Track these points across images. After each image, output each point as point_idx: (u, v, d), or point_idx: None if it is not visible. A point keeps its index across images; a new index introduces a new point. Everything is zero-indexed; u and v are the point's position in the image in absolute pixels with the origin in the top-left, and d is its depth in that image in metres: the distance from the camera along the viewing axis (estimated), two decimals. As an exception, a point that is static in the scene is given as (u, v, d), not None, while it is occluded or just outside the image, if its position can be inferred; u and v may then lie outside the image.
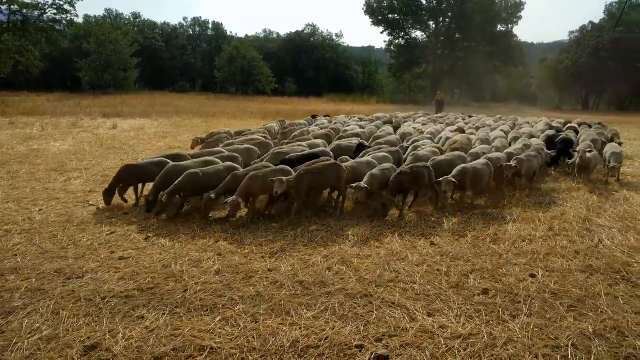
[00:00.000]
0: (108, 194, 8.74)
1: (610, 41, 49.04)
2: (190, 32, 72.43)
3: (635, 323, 4.82)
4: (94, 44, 48.11)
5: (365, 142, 11.10)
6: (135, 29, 64.37)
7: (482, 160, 9.56)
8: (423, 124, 18.59)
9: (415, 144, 12.17)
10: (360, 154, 10.53)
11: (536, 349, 4.34)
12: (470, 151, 11.03)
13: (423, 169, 8.68)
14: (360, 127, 16.36)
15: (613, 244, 7.14)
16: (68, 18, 47.96)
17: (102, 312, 4.92)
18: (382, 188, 8.49)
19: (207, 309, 5.05)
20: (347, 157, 9.95)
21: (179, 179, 8.14)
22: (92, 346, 4.29)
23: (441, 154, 10.78)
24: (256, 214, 8.26)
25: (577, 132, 16.05)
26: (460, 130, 15.33)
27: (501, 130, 16.15)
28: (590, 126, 17.92)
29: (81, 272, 5.88)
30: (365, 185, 7.97)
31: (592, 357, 4.21)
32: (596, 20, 57.05)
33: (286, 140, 12.94)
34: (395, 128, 17.17)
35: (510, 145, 13.05)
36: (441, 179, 8.48)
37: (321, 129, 15.46)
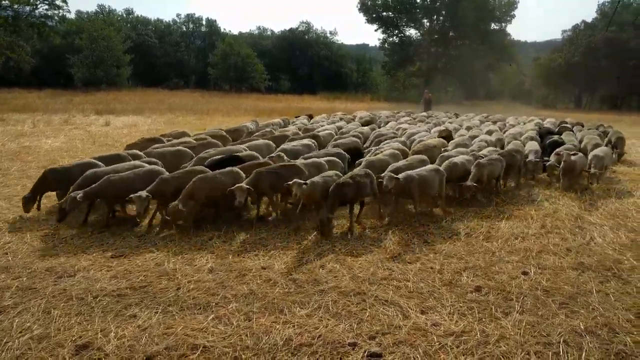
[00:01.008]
0: (28, 202, 7.82)
1: (603, 40, 49.31)
2: (184, 28, 71.89)
3: (626, 320, 4.86)
4: (86, 40, 47.59)
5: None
6: (129, 25, 63.80)
7: (431, 166, 8.63)
8: (409, 124, 17.70)
9: (377, 147, 11.14)
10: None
11: (528, 346, 4.37)
12: (441, 155, 10.28)
13: (365, 178, 7.75)
14: (338, 127, 15.88)
15: (605, 242, 7.19)
16: (60, 14, 47.45)
17: (94, 311, 4.90)
18: (324, 197, 7.50)
19: (200, 308, 5.04)
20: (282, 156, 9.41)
21: (98, 182, 7.47)
22: (83, 345, 4.27)
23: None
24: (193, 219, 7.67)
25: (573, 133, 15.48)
26: (447, 132, 14.44)
27: (488, 131, 15.18)
28: (582, 126, 17.59)
29: (73, 271, 5.84)
30: (306, 183, 7.27)
31: (584, 354, 4.24)
32: (589, 20, 57.36)
33: (231, 143, 12.33)
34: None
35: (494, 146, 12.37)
36: (383, 174, 7.78)
37: (299, 129, 15.10)
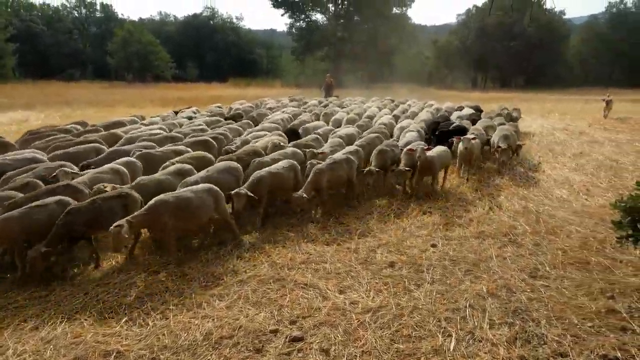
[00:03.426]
0: None
1: (493, 24, 53.20)
2: (76, 14, 66.51)
3: (521, 280, 5.36)
4: (-42, 28, 42.41)
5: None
6: (9, 10, 57.63)
7: (202, 186, 6.38)
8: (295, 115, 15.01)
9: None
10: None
11: (439, 314, 4.66)
12: (257, 161, 8.12)
13: (112, 201, 5.85)
14: (179, 124, 13.17)
15: (501, 210, 7.84)
16: None
17: (-12, 328, 4.45)
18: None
19: (111, 311, 4.77)
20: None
21: None
22: (-23, 367, 3.87)
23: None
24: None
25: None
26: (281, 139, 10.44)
27: (380, 124, 12.69)
28: (480, 110, 16.40)
29: (-41, 287, 5.25)
30: None
31: (487, 315, 4.61)
32: (479, 4, 61.52)
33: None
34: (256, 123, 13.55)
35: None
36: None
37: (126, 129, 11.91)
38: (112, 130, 11.52)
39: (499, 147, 10.12)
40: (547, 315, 4.57)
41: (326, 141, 10.36)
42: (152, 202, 5.75)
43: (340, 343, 4.21)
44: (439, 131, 11.42)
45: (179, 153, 8.69)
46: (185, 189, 6.31)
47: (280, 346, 4.18)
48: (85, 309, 4.81)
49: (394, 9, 57.34)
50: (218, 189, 6.43)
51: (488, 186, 9.28)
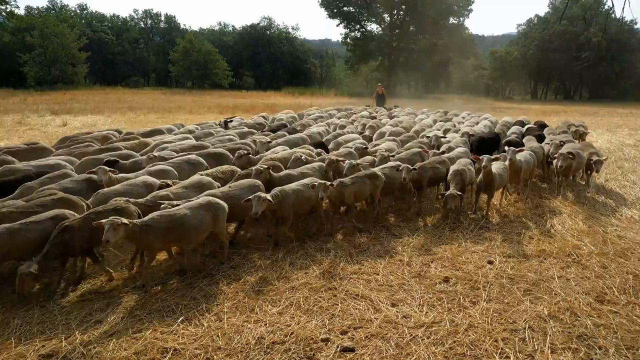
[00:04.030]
0: None
1: (555, 34, 51.27)
2: (142, 25, 70.23)
3: (586, 303, 5.07)
4: (38, 37, 45.71)
5: None
6: (83, 21, 61.71)
7: (199, 202, 5.90)
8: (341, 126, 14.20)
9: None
10: None
11: (496, 334, 4.48)
12: (287, 172, 7.84)
13: (108, 215, 5.28)
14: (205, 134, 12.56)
15: (564, 229, 7.47)
16: (8, 10, 45.44)
17: (57, 319, 4.72)
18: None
19: (169, 310, 4.93)
20: None
21: None
22: (48, 355, 4.11)
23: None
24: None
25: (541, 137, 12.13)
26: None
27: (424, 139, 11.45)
28: (543, 127, 14.53)
29: (33, 278, 5.60)
30: None
31: (548, 339, 4.39)
32: (542, 14, 59.55)
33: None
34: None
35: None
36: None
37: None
38: (142, 139, 11.53)
39: (554, 158, 9.30)
40: (616, 344, 4.29)
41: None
42: (147, 218, 5.41)
43: (392, 357, 4.14)
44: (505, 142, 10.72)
45: (192, 164, 8.52)
46: (182, 205, 5.78)
47: (331, 356, 4.16)
48: (145, 306, 5.00)
49: (451, 19, 56.48)
50: (219, 203, 5.95)
51: (550, 203, 8.88)
